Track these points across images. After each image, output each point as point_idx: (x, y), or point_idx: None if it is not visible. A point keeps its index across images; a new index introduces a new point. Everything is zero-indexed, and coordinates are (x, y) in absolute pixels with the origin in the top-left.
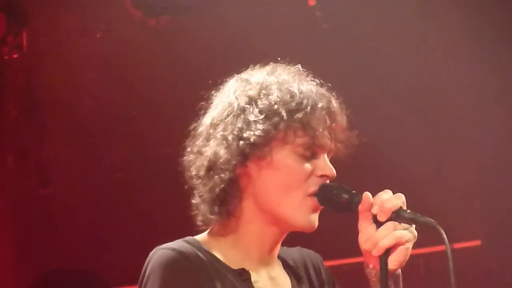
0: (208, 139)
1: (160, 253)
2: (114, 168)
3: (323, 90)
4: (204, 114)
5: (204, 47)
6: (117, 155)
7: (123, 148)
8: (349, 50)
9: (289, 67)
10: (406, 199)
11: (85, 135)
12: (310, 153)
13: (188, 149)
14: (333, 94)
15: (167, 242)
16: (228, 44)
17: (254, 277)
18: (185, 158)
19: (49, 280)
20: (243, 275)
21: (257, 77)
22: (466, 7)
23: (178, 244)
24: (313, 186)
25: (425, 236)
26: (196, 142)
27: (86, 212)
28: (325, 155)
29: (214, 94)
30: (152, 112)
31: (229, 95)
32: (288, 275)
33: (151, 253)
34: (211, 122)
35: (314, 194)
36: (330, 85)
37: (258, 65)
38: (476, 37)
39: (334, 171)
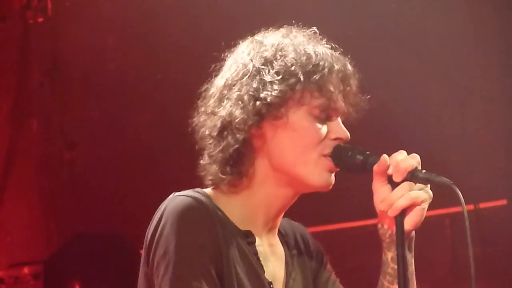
0: (221, 99)
1: (179, 199)
2: (138, 131)
3: (338, 54)
4: (216, 75)
5: (225, 6)
6: (141, 118)
7: (146, 111)
8: (373, 11)
9: (303, 30)
10: (430, 159)
11: (109, 99)
12: (325, 116)
13: (200, 110)
14: (347, 57)
15: None
16: (246, 3)
17: (257, 241)
18: (195, 118)
19: (75, 243)
20: (249, 238)
21: (271, 39)
22: None
23: (195, 193)
24: (328, 148)
25: (451, 196)
26: (209, 103)
27: (111, 175)
28: (339, 118)
29: (227, 55)
30: (175, 74)
31: (243, 56)
32: (282, 244)
33: (168, 198)
34: (225, 83)
35: (329, 155)
36: (342, 50)
37: (271, 28)
38: None
39: (348, 134)
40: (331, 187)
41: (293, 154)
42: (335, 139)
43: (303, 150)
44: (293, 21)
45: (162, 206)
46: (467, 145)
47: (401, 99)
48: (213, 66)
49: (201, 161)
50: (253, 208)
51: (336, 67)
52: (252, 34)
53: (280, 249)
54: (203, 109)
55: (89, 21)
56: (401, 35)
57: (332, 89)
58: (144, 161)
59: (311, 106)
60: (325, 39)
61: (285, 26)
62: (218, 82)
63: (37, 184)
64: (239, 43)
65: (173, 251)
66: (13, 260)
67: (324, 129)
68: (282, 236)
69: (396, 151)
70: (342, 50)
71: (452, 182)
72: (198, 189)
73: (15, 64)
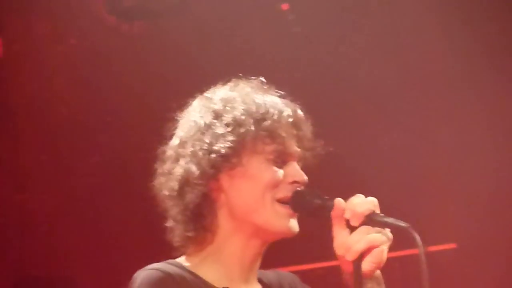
0: (177, 159)
1: (146, 273)
2: (89, 173)
3: (286, 101)
4: (170, 137)
5: (177, 52)
6: (91, 161)
7: (97, 154)
8: (320, 54)
9: (251, 80)
10: (380, 204)
11: (59, 142)
12: (280, 161)
13: (158, 171)
14: (297, 105)
15: (141, 248)
16: (201, 49)
17: None
18: (155, 182)
19: (23, 286)
20: None
21: (219, 93)
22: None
23: (162, 265)
24: (284, 192)
25: (401, 239)
26: (165, 165)
27: (61, 217)
28: (295, 163)
29: (179, 116)
30: (125, 118)
31: (194, 114)
32: None
33: (135, 274)
34: (179, 142)
35: (287, 201)
36: (291, 96)
37: (219, 82)
38: (448, 35)
39: (305, 177)
40: (295, 232)
41: (251, 201)
42: (292, 182)
43: (260, 197)
44: (240, 74)
45: (132, 280)
46: (417, 189)
47: (352, 143)
48: (167, 126)
49: (167, 224)
50: (226, 263)
51: (286, 112)
52: (202, 89)
53: None
54: (160, 171)
55: (40, 64)
56: (349, 77)
57: (283, 134)
58: (94, 204)
59: (265, 152)
60: (273, 87)
61: (232, 79)
62: (173, 142)
63: None
64: (190, 102)
65: None
66: None
67: (280, 173)
68: (265, 285)
69: (352, 194)
70: (291, 97)
71: (409, 225)
72: (170, 260)
73: None
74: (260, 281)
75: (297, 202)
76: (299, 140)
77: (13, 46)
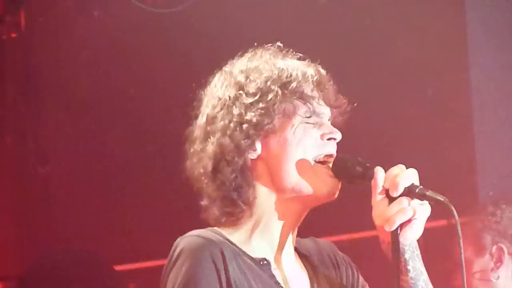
0: (207, 136)
1: (188, 239)
2: (112, 147)
3: (306, 62)
4: (195, 116)
5: (200, 25)
6: (116, 133)
7: (121, 126)
8: (347, 27)
9: (268, 47)
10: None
11: (83, 114)
12: (313, 121)
13: (189, 152)
14: (318, 63)
15: (168, 220)
16: (223, 23)
17: (274, 265)
18: (187, 163)
19: (49, 259)
20: (265, 265)
21: (239, 65)
22: None
23: (203, 231)
24: (323, 150)
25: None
26: (195, 145)
27: (85, 190)
28: (327, 120)
29: (202, 93)
30: (149, 90)
31: (217, 89)
32: (304, 265)
33: (177, 241)
34: (206, 120)
35: (329, 166)
36: (309, 58)
37: (238, 54)
38: (472, 12)
39: (340, 133)
40: (334, 196)
41: (291, 165)
42: (328, 139)
43: (301, 160)
44: (255, 44)
45: (174, 245)
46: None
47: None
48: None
49: (202, 202)
50: (263, 232)
51: (309, 72)
52: (219, 66)
53: (301, 270)
54: (191, 151)
55: (63, 36)
56: (374, 50)
57: (310, 93)
58: (118, 177)
59: (296, 114)
60: (291, 50)
61: (249, 50)
62: (199, 121)
63: (11, 200)
64: (209, 79)
65: None
66: None
67: (314, 133)
68: (304, 256)
69: (394, 165)
70: (309, 57)
71: (447, 199)
72: (210, 228)
73: None
74: (296, 250)
75: (338, 168)
76: (325, 98)
77: (36, 18)
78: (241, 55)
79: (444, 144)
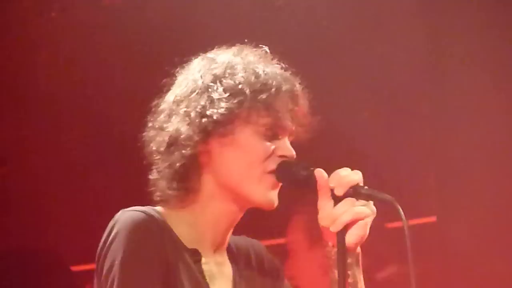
0: (170, 115)
1: (128, 214)
2: (70, 147)
3: (287, 74)
4: (167, 91)
5: (159, 25)
6: (73, 134)
7: (77, 126)
8: (303, 28)
9: (255, 49)
10: (364, 177)
11: (41, 115)
12: (272, 134)
13: (149, 125)
14: (297, 78)
15: None
16: (182, 22)
17: (204, 259)
18: (145, 133)
19: (6, 260)
20: (195, 256)
21: (223, 57)
22: None
23: (146, 208)
24: (273, 164)
25: (382, 213)
26: (158, 118)
27: (41, 191)
28: (286, 137)
29: (178, 71)
30: (107, 91)
31: (194, 73)
32: (231, 261)
33: (117, 214)
34: (174, 99)
35: (273, 172)
36: (294, 69)
37: (224, 46)
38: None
39: (294, 152)
40: (274, 206)
41: (238, 171)
42: (280, 156)
43: (248, 167)
44: (246, 40)
45: (113, 220)
46: (397, 162)
47: (333, 115)
48: (163, 80)
49: (150, 176)
50: (201, 225)
51: (284, 87)
52: (205, 51)
53: (228, 267)
54: (152, 124)
55: (20, 37)
56: (331, 52)
57: (279, 108)
58: (76, 178)
59: (258, 124)
60: (276, 59)
61: (237, 44)
62: (169, 97)
63: None
64: (191, 59)
65: (118, 265)
66: None
67: (270, 146)
68: (232, 254)
69: (334, 168)
70: (293, 70)
71: (393, 199)
72: (149, 206)
73: None
74: (229, 248)
75: (282, 173)
76: (294, 115)
77: None
78: (228, 47)
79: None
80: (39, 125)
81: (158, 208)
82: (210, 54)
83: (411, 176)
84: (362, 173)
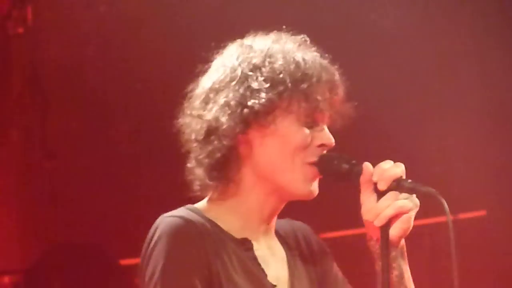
0: (207, 102)
1: (168, 220)
2: (118, 141)
3: (326, 62)
4: (202, 76)
5: (206, 18)
6: (122, 128)
7: (127, 121)
8: (353, 21)
9: (294, 36)
10: (410, 170)
11: (89, 109)
12: (311, 123)
13: (186, 111)
14: (335, 66)
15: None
16: (230, 8)
17: (254, 246)
18: (181, 119)
19: (54, 254)
20: (246, 244)
21: (261, 44)
22: None
23: (183, 212)
24: (312, 155)
25: (431, 207)
26: (193, 105)
27: (90, 185)
28: (325, 126)
29: (214, 57)
30: (155, 84)
31: (232, 60)
32: (282, 245)
33: (158, 220)
34: (211, 86)
35: (314, 164)
36: (331, 56)
37: (261, 32)
38: (477, 8)
39: (333, 141)
40: (314, 196)
41: (277, 161)
42: (320, 145)
43: (288, 157)
44: (284, 27)
45: (153, 226)
46: (447, 156)
47: (382, 110)
48: (201, 66)
49: (188, 165)
50: (245, 215)
51: (325, 76)
52: (241, 37)
53: (280, 250)
54: (188, 110)
55: (69, 31)
56: (383, 45)
57: (319, 97)
58: (124, 172)
59: (298, 114)
60: (314, 46)
61: (275, 31)
62: (205, 83)
63: (16, 194)
64: (228, 45)
65: (159, 272)
66: None
67: (309, 135)
68: (281, 237)
69: (381, 160)
70: (330, 57)
71: (437, 192)
72: (189, 206)
73: None
74: (276, 232)
75: (324, 166)
76: (333, 104)
77: (43, 13)
78: (266, 33)
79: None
80: (88, 119)
81: (201, 205)
82: (247, 41)
83: (461, 169)
84: (411, 166)
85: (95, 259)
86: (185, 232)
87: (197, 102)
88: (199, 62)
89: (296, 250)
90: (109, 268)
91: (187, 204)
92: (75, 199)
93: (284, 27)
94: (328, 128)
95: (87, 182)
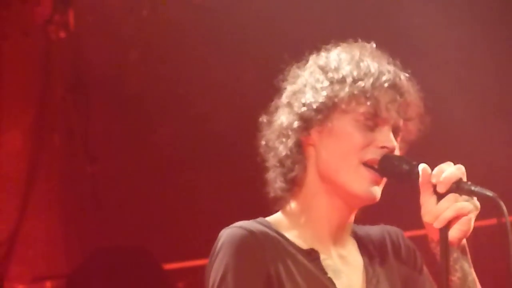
0: (277, 110)
1: (230, 231)
2: (160, 145)
3: (393, 67)
4: (284, 89)
5: (248, 24)
6: (163, 132)
7: (168, 125)
8: (396, 25)
9: (364, 45)
10: (470, 172)
11: (131, 113)
12: (372, 124)
13: (263, 122)
14: (407, 72)
15: (216, 218)
16: (273, 18)
17: (323, 255)
18: (261, 132)
19: (97, 258)
20: (312, 255)
21: (331, 53)
22: None
23: (248, 223)
24: (371, 155)
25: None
26: (267, 116)
27: (133, 189)
28: (389, 129)
29: (294, 69)
30: (197, 89)
31: (306, 70)
32: (361, 253)
33: (221, 231)
34: (285, 95)
35: (374, 164)
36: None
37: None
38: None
39: (395, 143)
40: (375, 199)
41: (334, 161)
42: (381, 147)
43: (344, 157)
44: (351, 39)
45: (218, 237)
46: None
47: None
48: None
49: (266, 176)
50: (315, 223)
51: (386, 76)
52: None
53: (356, 258)
54: (264, 121)
55: (112, 36)
56: (424, 49)
57: (379, 97)
58: (166, 176)
59: (357, 113)
60: (385, 54)
61: (341, 43)
62: (283, 94)
63: (59, 198)
64: (306, 57)
65: (219, 281)
66: (35, 274)
67: (369, 136)
68: (363, 245)
69: (436, 163)
70: (400, 64)
71: (496, 194)
72: (260, 219)
73: (38, 79)
74: (357, 237)
75: (384, 167)
76: (400, 107)
77: (85, 18)
78: (336, 45)
79: (495, 143)
80: (130, 123)
81: (272, 217)
82: (323, 52)
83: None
84: (467, 170)
85: (138, 264)
86: (244, 242)
87: (271, 113)
88: (245, 69)
89: (378, 257)
90: (153, 272)
91: (229, 208)
92: (118, 203)
93: (351, 39)
94: (404, 137)
95: (129, 186)
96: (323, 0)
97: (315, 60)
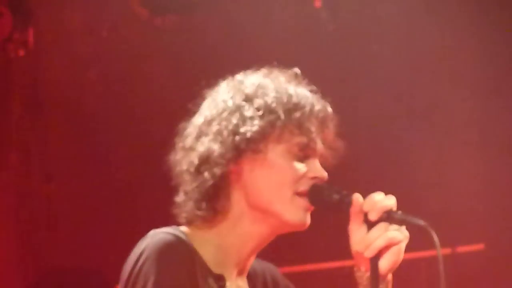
0: (200, 136)
1: (160, 236)
2: (117, 165)
3: (317, 96)
4: (194, 113)
5: (208, 47)
6: (120, 153)
7: (125, 146)
8: (354, 52)
9: (284, 71)
10: (408, 202)
11: (88, 133)
12: (304, 155)
13: (178, 147)
14: (326, 101)
15: None
16: (233, 44)
17: (228, 283)
18: (172, 155)
19: (51, 277)
20: (220, 281)
21: (252, 78)
22: (471, 11)
23: (175, 230)
24: (304, 185)
25: (427, 240)
26: (186, 140)
27: (89, 208)
28: (317, 159)
29: (206, 94)
30: (155, 111)
31: (223, 94)
32: (249, 286)
33: (149, 234)
34: (204, 120)
35: (305, 194)
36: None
37: (252, 68)
38: (479, 37)
39: (326, 174)
40: (307, 226)
41: (269, 191)
42: (313, 178)
43: (279, 187)
44: (275, 63)
45: (142, 242)
46: (445, 188)
47: (379, 141)
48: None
49: (176, 199)
50: (227, 248)
51: (317, 107)
52: (234, 74)
53: None
54: (180, 145)
55: (71, 55)
56: (380, 76)
57: (312, 128)
58: (123, 196)
59: (290, 144)
60: (306, 81)
61: (265, 67)
62: (196, 120)
63: (14, 217)
64: (219, 82)
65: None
66: None
67: (302, 167)
68: (251, 278)
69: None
70: (321, 93)
71: (427, 224)
72: (175, 227)
73: None
74: (248, 274)
75: (315, 196)
76: (324, 138)
77: (45, 36)
78: (256, 70)
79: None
80: (88, 143)
81: (185, 229)
82: (238, 77)
83: (459, 202)
84: (408, 199)
85: (93, 285)
86: (177, 251)
87: (189, 138)
88: (191, 100)
89: None
90: None
91: None
92: (73, 223)
93: (275, 63)
94: (322, 163)
95: (85, 206)
96: (281, 26)
97: (235, 85)
